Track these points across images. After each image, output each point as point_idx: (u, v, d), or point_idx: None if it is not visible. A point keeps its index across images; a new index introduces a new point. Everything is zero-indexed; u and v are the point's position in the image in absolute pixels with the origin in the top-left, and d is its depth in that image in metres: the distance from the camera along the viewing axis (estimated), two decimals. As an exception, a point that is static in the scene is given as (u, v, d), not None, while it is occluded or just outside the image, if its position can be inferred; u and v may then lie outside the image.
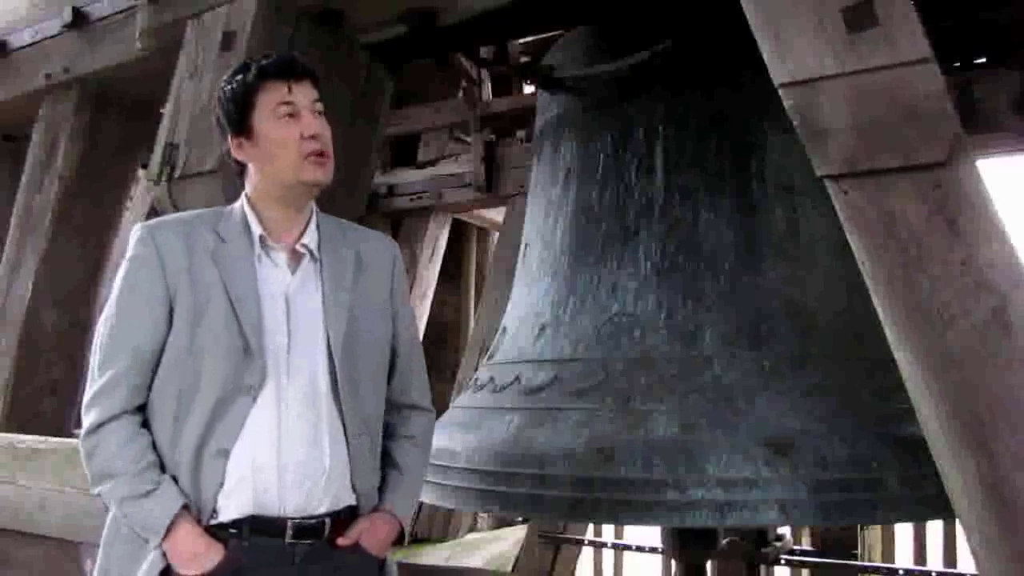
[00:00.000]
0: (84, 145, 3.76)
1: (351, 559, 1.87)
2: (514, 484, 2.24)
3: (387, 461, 2.00)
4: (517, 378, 2.47)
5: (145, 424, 1.84)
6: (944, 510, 1.85)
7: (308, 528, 1.82)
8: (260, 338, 1.82)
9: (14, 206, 3.86)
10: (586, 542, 4.72)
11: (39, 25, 3.80)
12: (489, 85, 5.38)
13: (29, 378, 3.69)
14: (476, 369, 2.96)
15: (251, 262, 1.88)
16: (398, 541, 1.96)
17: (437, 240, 5.70)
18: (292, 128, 1.87)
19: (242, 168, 1.97)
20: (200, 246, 1.87)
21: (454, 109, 5.26)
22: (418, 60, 3.25)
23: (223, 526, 1.79)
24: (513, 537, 5.03)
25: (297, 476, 1.82)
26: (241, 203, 1.96)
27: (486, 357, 2.80)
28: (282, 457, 1.81)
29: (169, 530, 1.75)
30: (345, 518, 1.88)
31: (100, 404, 1.82)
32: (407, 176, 5.52)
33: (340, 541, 1.86)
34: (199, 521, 1.78)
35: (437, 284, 5.76)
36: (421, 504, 4.75)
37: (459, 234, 6.00)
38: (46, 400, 3.73)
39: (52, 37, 3.75)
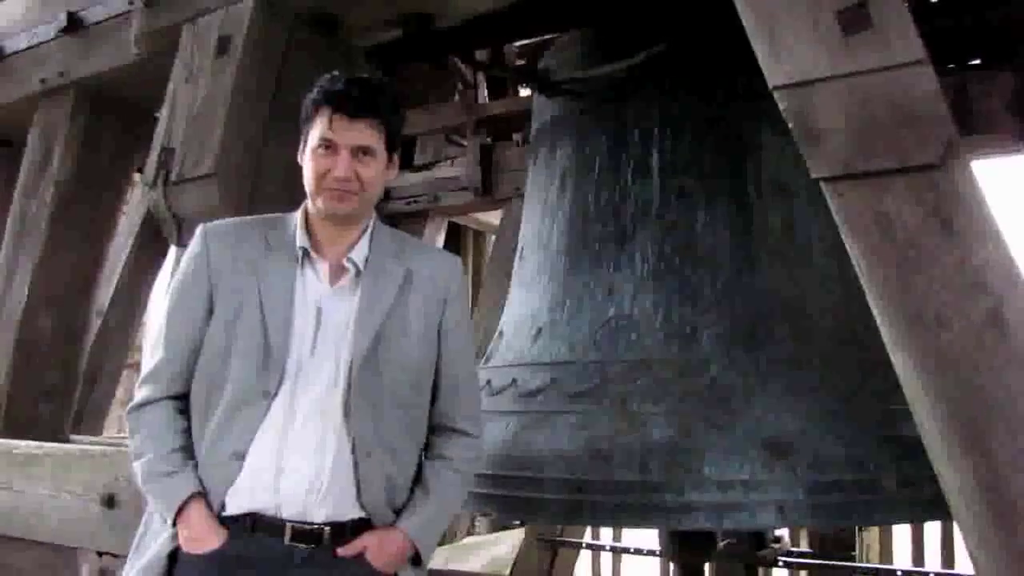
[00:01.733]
0: (80, 150, 3.75)
1: (355, 571, 1.86)
2: (512, 487, 2.24)
3: (418, 480, 1.98)
4: (514, 381, 2.47)
5: (183, 411, 1.94)
6: (941, 511, 1.85)
7: (305, 533, 1.84)
8: (284, 345, 1.88)
9: (10, 211, 3.85)
10: (584, 545, 4.71)
11: (34, 30, 3.79)
12: (485, 88, 5.38)
13: (25, 383, 3.68)
14: (473, 372, 2.95)
15: (291, 272, 1.94)
16: (415, 561, 1.94)
17: (434, 243, 5.69)
18: (324, 161, 1.90)
19: None
20: (244, 253, 1.95)
21: (450, 112, 5.25)
22: (414, 63, 3.25)
23: (231, 517, 1.86)
24: (511, 540, 5.02)
25: (294, 482, 1.84)
26: (301, 210, 2.01)
27: (483, 360, 2.80)
28: (281, 462, 1.85)
29: (181, 509, 1.83)
30: (352, 530, 1.88)
31: (148, 385, 1.94)
32: (403, 179, 5.50)
33: (340, 551, 1.86)
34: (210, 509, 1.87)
35: (434, 287, 5.74)
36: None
37: (456, 237, 5.99)
38: (42, 405, 3.72)
39: (47, 41, 3.74)
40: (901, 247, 1.75)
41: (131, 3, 3.24)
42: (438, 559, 4.78)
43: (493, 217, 5.41)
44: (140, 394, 1.95)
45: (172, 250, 2.94)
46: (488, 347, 2.82)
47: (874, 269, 1.79)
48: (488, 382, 2.57)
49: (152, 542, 1.91)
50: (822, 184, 1.84)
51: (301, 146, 1.98)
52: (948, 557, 4.26)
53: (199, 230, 2.01)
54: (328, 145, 1.89)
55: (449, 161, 5.35)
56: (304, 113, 1.96)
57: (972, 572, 1.80)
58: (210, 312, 1.93)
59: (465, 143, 5.13)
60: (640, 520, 2.17)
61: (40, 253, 3.69)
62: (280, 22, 2.80)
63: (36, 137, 3.83)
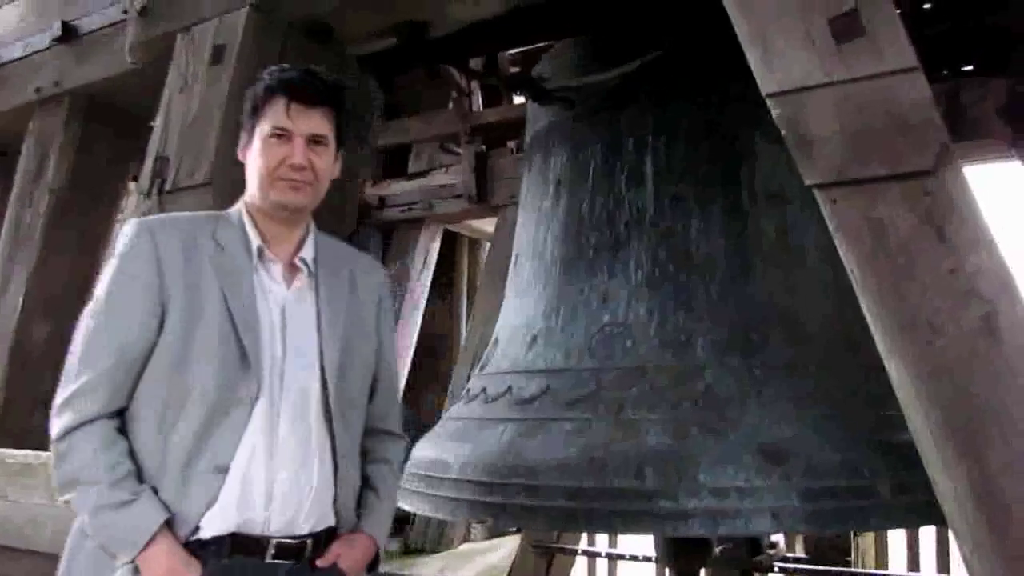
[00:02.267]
0: (74, 158, 3.76)
1: None
2: (507, 494, 2.24)
3: (366, 483, 1.97)
4: (509, 388, 2.47)
5: (122, 430, 1.76)
6: (936, 517, 1.85)
7: (290, 548, 1.78)
8: (257, 350, 1.78)
9: (5, 219, 3.85)
10: (580, 552, 4.70)
11: (29, 39, 3.80)
12: (479, 96, 5.39)
13: (20, 392, 3.67)
14: (468, 380, 2.96)
15: (249, 273, 1.85)
16: (372, 565, 1.94)
17: (428, 251, 5.70)
18: (278, 149, 1.85)
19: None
20: (199, 250, 1.82)
21: (445, 120, 5.26)
22: (408, 72, 3.25)
23: (203, 543, 1.72)
24: (506, 547, 5.01)
25: (285, 495, 1.78)
26: (239, 209, 1.93)
27: (478, 368, 2.80)
28: (272, 474, 1.77)
29: (147, 545, 1.66)
30: (325, 538, 1.85)
31: (77, 405, 1.73)
32: (398, 187, 5.52)
33: (320, 562, 1.82)
34: (176, 536, 1.70)
35: (429, 295, 5.76)
36: (414, 515, 4.76)
37: (450, 245, 6.00)
38: (37, 414, 3.70)
39: (42, 51, 3.76)
40: (894, 254, 1.76)
41: (125, 12, 3.25)
42: (433, 567, 4.79)
43: (488, 224, 5.42)
44: (67, 417, 1.72)
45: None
46: (483, 354, 2.82)
47: (867, 276, 1.80)
48: (483, 389, 2.57)
49: None
50: (815, 191, 1.85)
51: (244, 139, 1.91)
52: (943, 562, 4.26)
53: (136, 225, 1.85)
54: (282, 133, 1.84)
55: (444, 169, 5.37)
56: (251, 103, 1.89)
57: (967, 577, 1.80)
58: (160, 314, 1.76)
59: (460, 151, 5.14)
60: (636, 527, 2.16)
61: (35, 261, 3.69)
62: (275, 31, 2.81)
63: (31, 146, 3.84)
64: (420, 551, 4.99)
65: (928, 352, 1.73)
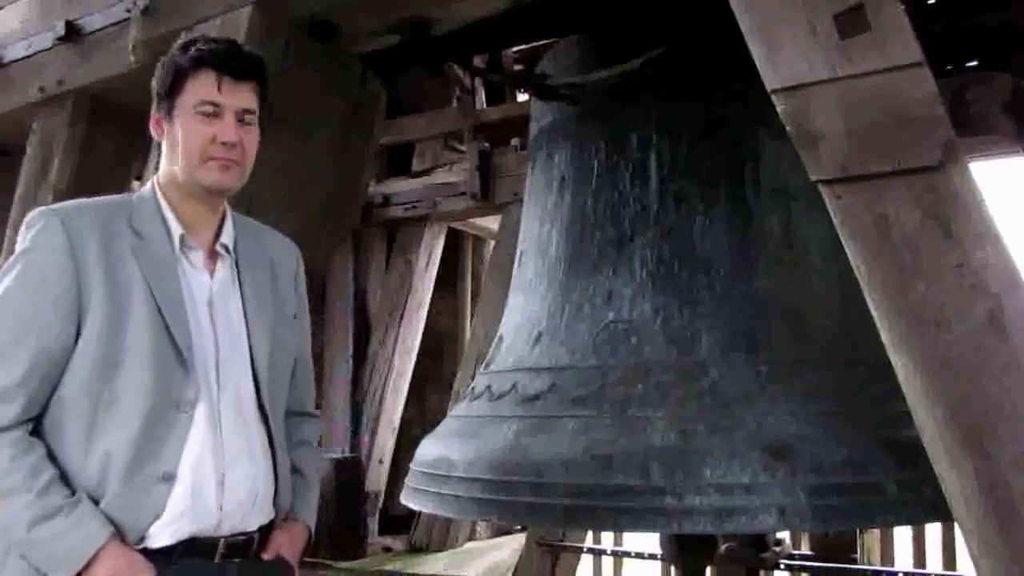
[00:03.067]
0: (79, 158, 3.76)
1: (272, 570, 1.82)
2: (512, 492, 2.24)
3: (292, 468, 1.94)
4: (514, 386, 2.47)
5: (38, 437, 1.65)
6: (942, 513, 1.84)
7: (238, 546, 1.75)
8: (190, 349, 1.70)
9: (9, 220, 3.85)
10: (585, 549, 4.71)
11: (32, 38, 3.79)
12: (483, 94, 5.39)
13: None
14: (473, 378, 2.96)
15: (173, 263, 1.75)
16: (307, 549, 1.95)
17: (432, 249, 5.70)
18: (208, 127, 1.75)
19: (152, 137, 1.85)
20: (118, 241, 1.70)
21: (448, 118, 5.27)
22: (412, 70, 3.25)
23: (150, 551, 1.65)
24: (512, 545, 5.02)
25: (236, 497, 1.74)
26: (152, 192, 1.81)
27: (483, 366, 2.80)
28: (220, 478, 1.72)
29: (90, 562, 1.57)
30: (266, 532, 1.84)
31: None
32: (402, 186, 5.52)
33: (266, 556, 1.81)
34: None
35: (433, 293, 5.76)
36: (420, 513, 4.76)
37: (455, 243, 6.00)
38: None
39: (45, 50, 3.75)
40: (900, 249, 1.75)
41: (129, 11, 3.25)
42: (439, 565, 4.79)
43: (492, 223, 5.42)
44: None
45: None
46: (488, 352, 2.82)
47: (873, 272, 1.79)
48: (488, 387, 2.56)
49: None
50: (820, 187, 1.84)
51: (160, 113, 1.79)
52: (949, 559, 4.25)
53: (46, 216, 1.70)
54: (212, 109, 1.75)
55: (447, 167, 5.37)
56: (171, 75, 1.77)
57: (973, 574, 1.80)
58: (77, 316, 1.64)
59: (463, 149, 5.14)
60: (641, 524, 2.16)
61: (39, 261, 3.69)
62: (278, 29, 2.81)
63: (35, 145, 3.83)
64: (425, 549, 4.99)
65: (934, 347, 1.73)
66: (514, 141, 4.97)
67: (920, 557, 4.39)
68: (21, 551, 1.60)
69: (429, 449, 2.56)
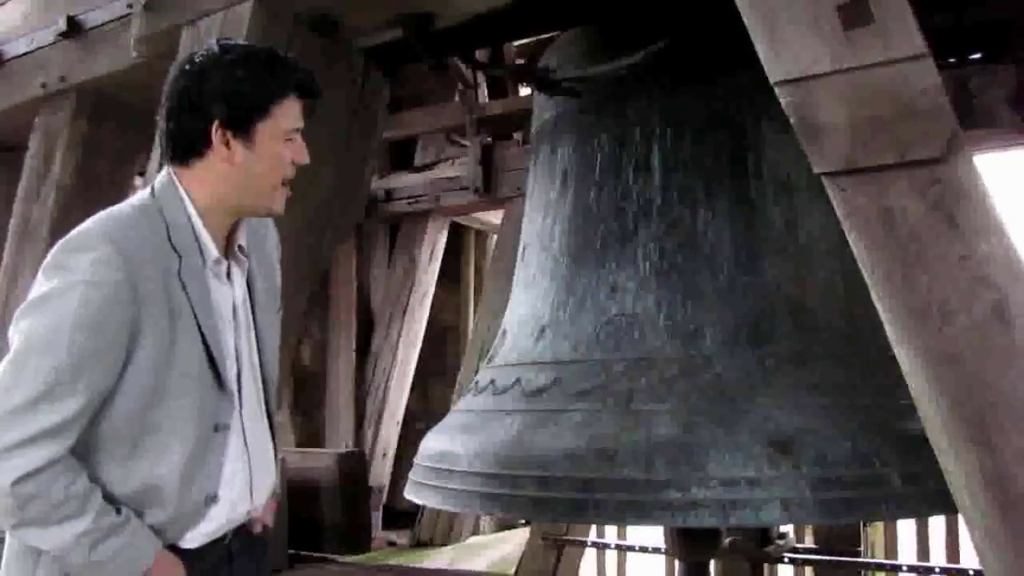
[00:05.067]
0: (81, 153, 3.76)
1: (260, 541, 1.94)
2: (516, 486, 2.24)
3: None
4: (518, 380, 2.47)
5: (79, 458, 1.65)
6: (947, 506, 1.84)
7: (241, 527, 1.86)
8: (225, 370, 1.72)
9: (12, 216, 3.86)
10: (589, 543, 4.71)
11: (34, 34, 3.80)
12: (485, 88, 5.39)
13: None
14: (476, 372, 2.96)
15: (205, 279, 1.72)
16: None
17: (436, 243, 5.71)
18: (287, 151, 1.75)
19: (190, 151, 1.72)
20: (168, 265, 1.67)
21: (450, 112, 5.27)
22: (414, 64, 3.25)
23: (178, 549, 1.72)
24: (516, 540, 5.03)
25: (261, 499, 1.88)
26: (180, 200, 1.74)
27: (486, 360, 2.80)
28: (251, 486, 1.83)
29: (146, 572, 1.65)
30: None
31: (39, 449, 1.56)
32: (405, 180, 5.52)
33: (258, 531, 1.92)
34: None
35: (436, 287, 5.77)
36: (423, 508, 4.77)
37: (457, 237, 6.00)
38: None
39: (47, 46, 3.76)
40: (904, 242, 1.75)
41: (130, 6, 3.25)
42: (443, 558, 4.80)
43: (494, 217, 5.43)
44: (38, 453, 1.55)
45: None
46: (491, 346, 2.82)
47: (877, 264, 1.79)
48: (492, 381, 2.56)
49: None
50: (824, 179, 1.84)
51: (229, 132, 1.69)
52: (953, 552, 4.26)
53: (97, 239, 1.64)
54: (295, 136, 1.76)
55: (450, 161, 5.38)
56: (255, 98, 1.69)
57: (978, 566, 1.80)
58: (129, 343, 1.61)
59: (466, 143, 5.14)
60: (645, 518, 2.16)
61: (43, 258, 3.69)
62: (280, 24, 2.80)
63: (37, 142, 3.84)
64: (429, 544, 5.00)
65: (939, 340, 1.72)
66: (517, 135, 4.97)
67: (924, 550, 4.40)
68: (80, 571, 1.63)
69: (433, 443, 2.56)
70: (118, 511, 1.63)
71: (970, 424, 1.70)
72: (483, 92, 5.34)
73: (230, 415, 1.74)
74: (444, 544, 5.02)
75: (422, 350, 5.68)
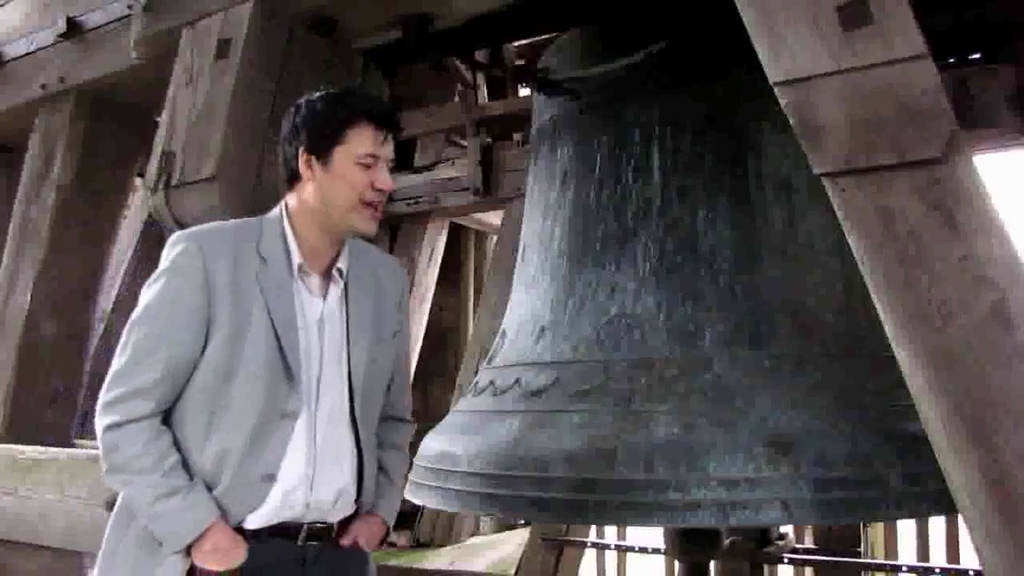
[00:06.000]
0: (81, 154, 3.77)
1: (352, 556, 2.05)
2: (516, 487, 2.24)
3: (379, 468, 2.15)
4: (517, 381, 2.47)
5: (168, 427, 1.90)
6: (947, 506, 1.84)
7: (319, 531, 1.97)
8: (299, 365, 1.91)
9: (11, 216, 3.86)
10: (589, 544, 4.71)
11: (34, 35, 3.80)
12: (484, 88, 5.38)
13: (29, 388, 3.69)
14: (476, 373, 2.96)
15: (290, 287, 1.95)
16: (383, 540, 2.15)
17: (435, 244, 5.70)
18: (366, 175, 1.95)
19: (293, 177, 2.01)
20: (245, 265, 1.92)
21: (450, 113, 5.26)
22: (413, 64, 3.25)
23: (244, 530, 1.89)
24: (515, 540, 5.03)
25: (322, 495, 1.96)
26: (280, 218, 2.01)
27: (486, 360, 2.80)
28: (312, 479, 1.94)
29: (201, 536, 1.82)
30: (347, 522, 2.05)
31: (129, 405, 1.85)
32: (404, 181, 5.51)
33: (344, 542, 2.02)
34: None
35: (436, 288, 5.76)
36: (423, 508, 4.76)
37: (457, 238, 6.00)
38: (46, 410, 3.73)
39: (47, 47, 3.76)
40: (904, 242, 1.75)
41: (130, 7, 3.25)
42: (444, 559, 4.80)
43: (494, 217, 5.42)
44: (120, 412, 1.85)
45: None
46: (491, 347, 2.82)
47: (877, 264, 1.79)
48: (492, 382, 2.56)
49: (150, 570, 1.85)
50: (824, 180, 1.84)
51: (312, 156, 1.96)
52: (953, 552, 4.26)
53: (186, 241, 1.94)
54: (372, 161, 1.94)
55: (450, 162, 5.36)
56: (330, 122, 1.95)
57: (977, 567, 1.80)
58: (205, 332, 1.88)
59: (465, 144, 5.14)
60: (645, 518, 2.16)
61: (42, 258, 3.70)
62: (280, 24, 2.81)
63: (37, 142, 3.84)
64: (429, 544, 5.00)
65: (938, 340, 1.72)
66: (516, 136, 4.96)
67: (924, 550, 4.40)
68: (144, 522, 1.86)
69: (433, 444, 2.56)
70: (190, 478, 1.85)
71: (970, 424, 1.70)
72: (483, 93, 5.34)
73: (300, 406, 1.92)
74: (444, 544, 5.02)
75: (422, 351, 5.68)
